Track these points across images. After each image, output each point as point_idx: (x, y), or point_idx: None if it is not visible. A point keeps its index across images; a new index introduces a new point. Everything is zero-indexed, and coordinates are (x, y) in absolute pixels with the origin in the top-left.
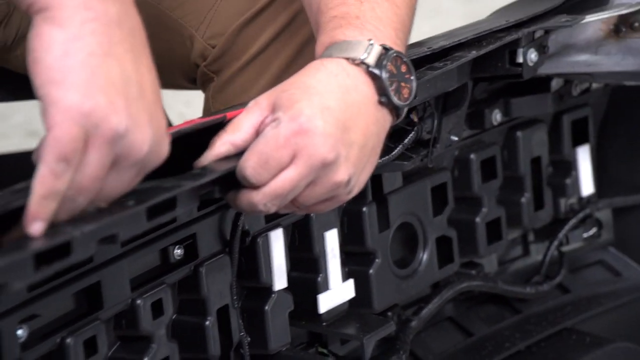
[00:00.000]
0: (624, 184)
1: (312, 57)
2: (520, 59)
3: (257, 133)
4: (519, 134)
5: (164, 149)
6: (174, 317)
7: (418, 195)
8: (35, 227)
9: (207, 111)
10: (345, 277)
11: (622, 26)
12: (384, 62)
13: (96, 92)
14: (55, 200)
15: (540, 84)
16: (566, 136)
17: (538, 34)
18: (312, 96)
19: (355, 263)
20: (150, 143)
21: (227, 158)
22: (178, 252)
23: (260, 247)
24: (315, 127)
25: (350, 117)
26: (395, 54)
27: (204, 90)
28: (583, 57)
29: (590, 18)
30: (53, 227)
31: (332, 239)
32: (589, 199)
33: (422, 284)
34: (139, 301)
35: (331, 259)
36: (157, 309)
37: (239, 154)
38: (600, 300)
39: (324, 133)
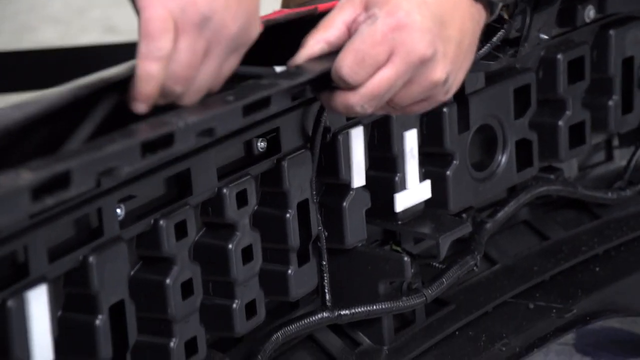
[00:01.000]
0: None
1: None
2: None
3: (350, 31)
4: (611, 32)
5: (254, 30)
6: (255, 207)
7: (500, 97)
8: (139, 107)
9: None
10: (422, 178)
11: None
12: None
13: None
14: (154, 83)
15: None
16: None
17: None
18: None
19: (432, 164)
20: (239, 23)
21: (320, 58)
22: (262, 144)
23: (341, 143)
24: (414, 22)
25: (446, 11)
26: None
27: None
28: None
29: None
30: (158, 117)
31: (411, 139)
32: None
33: (499, 187)
34: (225, 190)
35: (409, 159)
36: (242, 198)
37: (332, 53)
38: None
39: (422, 28)
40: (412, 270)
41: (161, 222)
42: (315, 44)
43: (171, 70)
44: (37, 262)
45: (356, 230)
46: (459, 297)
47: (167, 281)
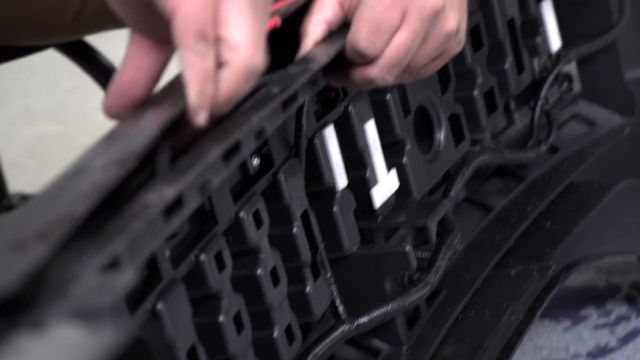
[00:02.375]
0: (589, 31)
1: None
2: None
3: (343, 7)
4: None
5: None
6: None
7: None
8: (200, 118)
9: None
10: (387, 168)
11: None
12: None
13: None
14: (211, 81)
15: None
16: None
17: None
18: None
19: (388, 154)
20: None
21: (321, 43)
22: (255, 162)
23: (318, 147)
24: None
25: None
26: None
27: None
28: None
29: None
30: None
31: (372, 131)
32: (559, 53)
33: (445, 165)
34: (242, 213)
35: (374, 152)
36: (257, 219)
37: (332, 33)
38: (589, 151)
39: None
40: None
41: (202, 257)
42: (316, 26)
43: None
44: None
45: (350, 233)
46: (445, 281)
47: (221, 318)
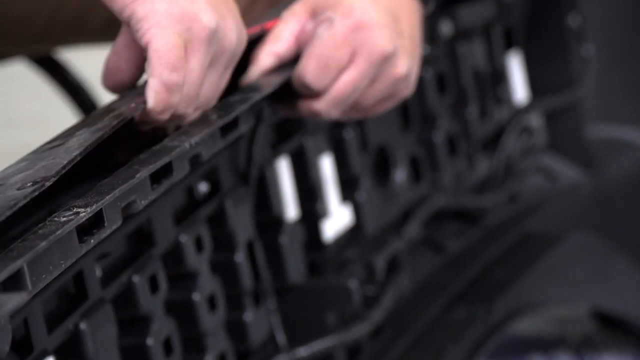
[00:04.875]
0: (553, 86)
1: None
2: None
3: (298, 41)
4: (460, 44)
5: (244, 37)
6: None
7: (387, 115)
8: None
9: None
10: (341, 203)
11: None
12: None
13: None
14: (171, 111)
15: None
16: (498, 44)
17: None
18: None
19: (343, 189)
20: (236, 32)
21: (272, 72)
22: (203, 187)
23: (270, 176)
24: (371, 19)
25: (396, 6)
26: None
27: None
28: None
29: None
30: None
31: (327, 164)
32: (524, 105)
33: (400, 205)
34: (182, 237)
35: (328, 185)
36: (199, 244)
37: (283, 66)
38: (547, 202)
39: (380, 24)
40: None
41: (134, 278)
42: (266, 57)
43: (184, 92)
44: (38, 334)
45: (296, 265)
46: (391, 320)
47: (149, 341)
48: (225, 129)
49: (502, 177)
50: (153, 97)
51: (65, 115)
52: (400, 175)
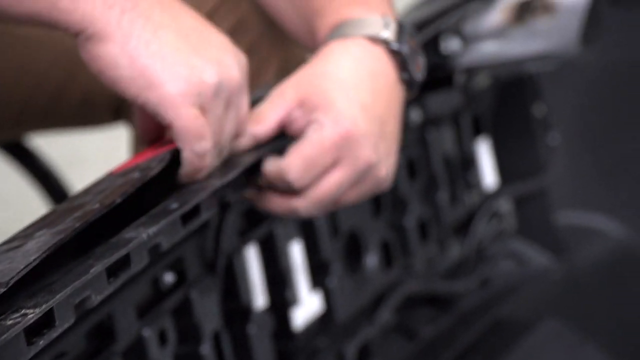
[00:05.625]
0: (521, 173)
1: (257, 64)
2: (446, 48)
3: (281, 127)
4: (430, 132)
5: (244, 62)
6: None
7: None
8: None
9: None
10: (311, 290)
11: (523, 11)
12: (404, 38)
13: (179, 68)
14: (203, 174)
15: (444, 80)
16: (467, 131)
17: (456, 23)
18: (348, 91)
19: (314, 275)
20: (236, 65)
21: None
22: (169, 278)
23: (237, 265)
24: (359, 129)
25: (383, 109)
26: (409, 29)
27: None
28: (492, 46)
29: (504, 1)
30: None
31: (297, 250)
32: (493, 190)
33: (373, 290)
34: (144, 330)
35: (298, 272)
36: (162, 337)
37: (256, 147)
38: (517, 288)
39: (367, 134)
40: None
41: None
42: (245, 138)
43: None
44: None
45: (264, 356)
46: None
47: None
48: (186, 218)
49: (474, 262)
50: (188, 165)
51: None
52: (371, 260)
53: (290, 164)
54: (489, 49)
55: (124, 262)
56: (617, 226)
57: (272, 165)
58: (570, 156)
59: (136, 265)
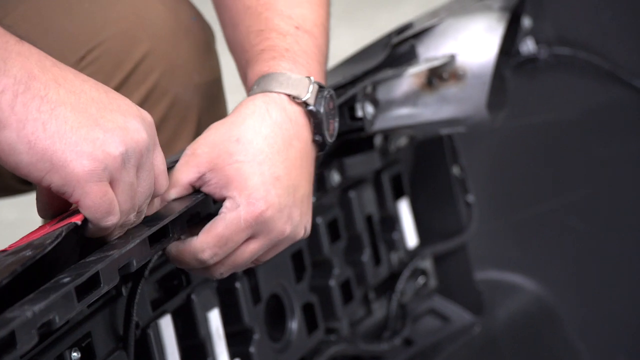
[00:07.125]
0: (439, 232)
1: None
2: (359, 113)
3: (193, 188)
4: (351, 193)
5: (150, 120)
6: None
7: (280, 264)
8: None
9: None
10: (231, 358)
11: (433, 78)
12: (322, 101)
13: (82, 145)
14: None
15: (365, 142)
16: (388, 192)
17: (369, 89)
18: (262, 166)
19: (234, 343)
20: (143, 128)
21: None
22: (75, 355)
23: (152, 338)
24: (273, 206)
25: (296, 176)
26: (329, 92)
27: None
28: (405, 111)
29: (412, 70)
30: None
31: (215, 319)
32: (415, 249)
33: (297, 355)
34: None
35: (217, 341)
36: None
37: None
38: (441, 347)
39: (281, 208)
40: None
41: None
42: (157, 201)
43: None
44: None
45: None
46: None
47: None
48: (82, 291)
49: (398, 321)
50: (92, 234)
51: None
52: (294, 324)
53: (204, 243)
54: (402, 113)
55: (9, 344)
56: (530, 281)
57: (182, 246)
58: (486, 216)
59: (23, 346)
